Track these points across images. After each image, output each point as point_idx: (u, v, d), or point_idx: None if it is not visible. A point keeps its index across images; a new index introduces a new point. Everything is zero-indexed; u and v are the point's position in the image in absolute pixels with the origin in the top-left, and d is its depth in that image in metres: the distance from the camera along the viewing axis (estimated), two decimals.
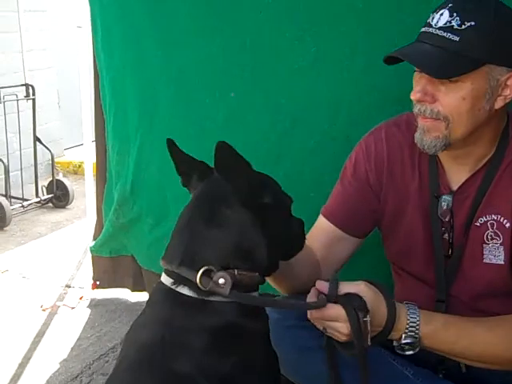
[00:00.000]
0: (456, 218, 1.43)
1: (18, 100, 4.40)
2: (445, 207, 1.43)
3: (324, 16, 1.99)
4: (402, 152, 1.49)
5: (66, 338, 2.64)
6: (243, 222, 1.14)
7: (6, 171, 4.25)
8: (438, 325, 1.28)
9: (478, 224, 1.40)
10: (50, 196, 4.52)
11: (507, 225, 1.37)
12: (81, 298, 3.02)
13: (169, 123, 2.40)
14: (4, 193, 4.27)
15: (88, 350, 2.55)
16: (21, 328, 2.74)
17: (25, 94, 4.40)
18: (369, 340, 1.20)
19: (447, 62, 1.25)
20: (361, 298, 1.20)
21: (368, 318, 1.19)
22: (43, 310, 2.90)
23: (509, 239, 1.37)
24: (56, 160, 4.81)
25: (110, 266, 2.89)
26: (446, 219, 1.44)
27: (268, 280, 1.34)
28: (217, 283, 1.09)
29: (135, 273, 2.80)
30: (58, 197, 4.55)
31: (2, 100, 4.27)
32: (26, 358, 2.49)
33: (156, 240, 2.55)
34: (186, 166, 1.24)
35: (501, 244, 1.38)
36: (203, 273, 1.09)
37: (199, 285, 1.09)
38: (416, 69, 1.33)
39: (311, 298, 1.23)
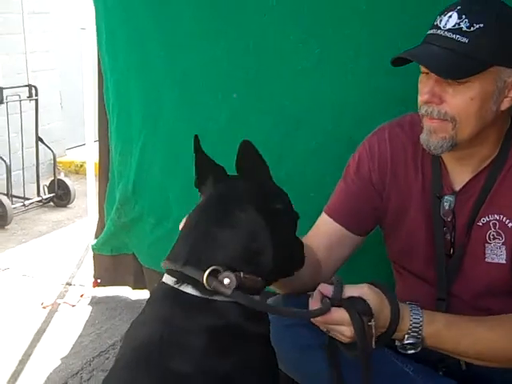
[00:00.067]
0: (458, 218, 1.43)
1: (20, 100, 4.41)
2: (447, 207, 1.43)
3: (328, 18, 2.00)
4: (405, 152, 1.50)
5: (66, 336, 2.65)
6: (254, 224, 1.14)
7: (8, 170, 4.26)
8: (440, 325, 1.28)
9: (481, 224, 1.41)
10: (51, 195, 4.54)
11: (510, 224, 1.38)
12: (81, 296, 3.02)
13: (172, 125, 2.41)
14: (6, 192, 4.28)
15: (88, 347, 2.56)
16: (21, 325, 2.74)
17: (28, 95, 4.41)
18: (373, 343, 1.20)
19: (457, 64, 1.26)
20: (364, 301, 1.20)
21: (372, 323, 1.19)
22: (44, 308, 2.91)
23: (511, 239, 1.38)
24: (58, 160, 4.82)
25: (111, 263, 2.90)
26: (448, 219, 1.44)
27: None
28: (221, 282, 1.09)
29: (136, 271, 2.81)
30: (60, 196, 4.56)
31: (5, 100, 4.29)
32: (27, 355, 2.50)
33: (157, 239, 2.57)
34: (204, 167, 1.23)
35: (503, 244, 1.39)
36: (210, 272, 1.09)
37: (205, 284, 1.09)
38: (422, 71, 1.34)
39: (315, 301, 1.22)
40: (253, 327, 1.14)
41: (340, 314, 1.19)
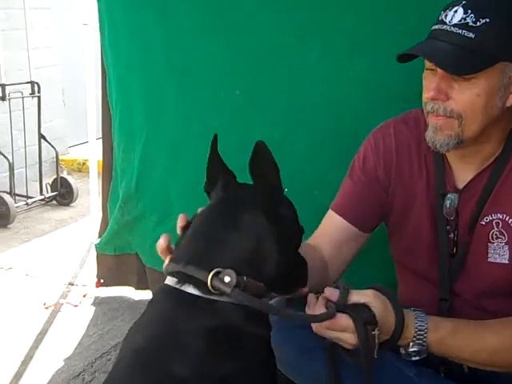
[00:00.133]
0: (461, 216, 1.42)
1: (23, 97, 4.40)
2: (449, 206, 1.42)
3: (326, 15, 1.99)
4: (409, 149, 1.49)
5: (68, 336, 2.65)
6: (260, 229, 1.13)
7: (11, 168, 4.25)
8: (445, 332, 1.26)
9: (484, 223, 1.40)
10: (54, 194, 4.53)
11: None
12: (84, 296, 3.02)
13: (174, 121, 2.40)
14: (8, 190, 4.27)
15: (90, 348, 2.55)
16: (24, 326, 2.74)
17: (30, 92, 4.40)
18: (375, 352, 1.18)
19: (463, 59, 1.25)
20: (370, 309, 1.18)
21: (376, 332, 1.17)
22: (46, 308, 2.91)
23: None
24: (60, 158, 4.82)
25: (114, 263, 2.89)
26: (452, 218, 1.43)
27: None
28: (222, 280, 1.07)
29: (139, 271, 2.80)
30: (63, 194, 4.55)
31: (8, 97, 4.27)
32: (29, 356, 2.50)
33: (159, 238, 2.54)
34: (215, 171, 1.21)
35: (506, 243, 1.38)
36: (214, 274, 1.08)
37: (209, 285, 1.07)
38: (427, 67, 1.32)
39: (319, 306, 1.20)
40: (253, 330, 1.12)
41: (345, 320, 1.17)
